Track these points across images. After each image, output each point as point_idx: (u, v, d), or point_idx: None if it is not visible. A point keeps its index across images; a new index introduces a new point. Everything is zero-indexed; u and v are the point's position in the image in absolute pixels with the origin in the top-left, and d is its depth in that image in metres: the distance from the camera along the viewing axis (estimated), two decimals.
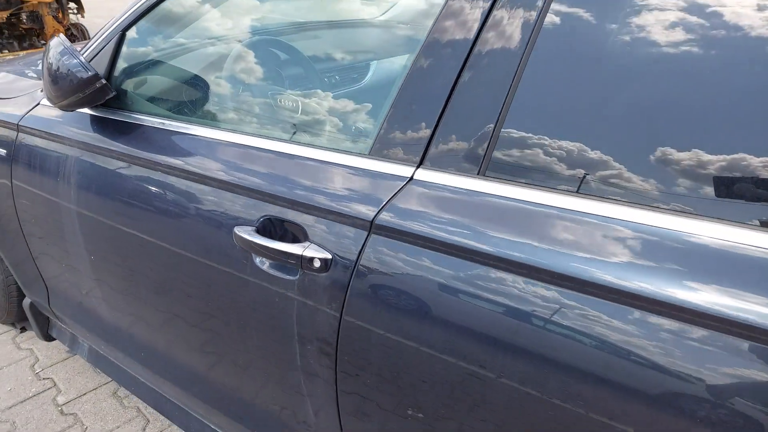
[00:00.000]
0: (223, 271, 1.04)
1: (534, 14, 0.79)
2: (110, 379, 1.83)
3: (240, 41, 1.48)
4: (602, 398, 0.66)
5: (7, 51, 5.58)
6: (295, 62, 1.51)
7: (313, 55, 1.61)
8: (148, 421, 1.68)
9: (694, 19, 0.69)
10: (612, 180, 0.71)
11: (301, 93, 1.27)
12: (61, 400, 1.76)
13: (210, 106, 1.28)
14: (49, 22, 5.65)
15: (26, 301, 1.81)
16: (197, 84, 1.33)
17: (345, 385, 0.93)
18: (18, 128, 1.48)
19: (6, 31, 5.54)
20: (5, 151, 1.53)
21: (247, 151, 1.04)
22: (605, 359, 0.66)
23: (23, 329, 2.08)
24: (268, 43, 1.52)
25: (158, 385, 1.44)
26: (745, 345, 0.59)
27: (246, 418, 1.20)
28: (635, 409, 0.64)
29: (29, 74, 1.76)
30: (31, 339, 2.03)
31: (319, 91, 1.34)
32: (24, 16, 5.58)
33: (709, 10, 0.69)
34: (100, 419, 1.69)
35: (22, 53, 4.79)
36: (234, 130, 1.10)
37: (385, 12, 1.81)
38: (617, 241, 0.68)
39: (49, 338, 1.87)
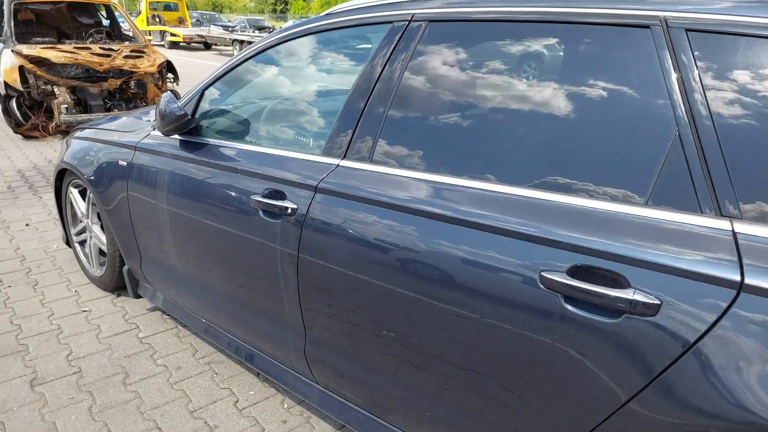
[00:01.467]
0: (242, 236, 1.82)
1: (399, 70, 1.56)
2: (174, 325, 2.64)
3: (269, 98, 2.33)
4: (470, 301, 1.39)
5: (117, 110, 6.89)
6: (299, 108, 2.35)
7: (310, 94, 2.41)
8: (196, 351, 2.46)
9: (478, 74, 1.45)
10: (431, 162, 1.46)
11: (297, 117, 2.09)
12: (141, 335, 2.57)
13: (245, 132, 2.12)
14: (151, 88, 6.96)
15: (125, 268, 2.67)
16: (242, 120, 2.17)
17: (304, 293, 1.68)
18: (135, 148, 2.38)
19: (117, 95, 6.87)
20: (125, 163, 2.42)
21: (251, 153, 1.85)
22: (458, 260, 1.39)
23: (118, 295, 2.94)
24: (287, 100, 2.37)
25: (206, 318, 2.23)
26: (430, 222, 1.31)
27: (251, 326, 1.95)
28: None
29: (143, 119, 2.69)
30: (123, 300, 2.88)
31: (305, 111, 2.14)
32: (132, 84, 6.92)
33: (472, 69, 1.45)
34: (165, 348, 2.48)
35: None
36: (253, 143, 1.92)
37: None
38: (435, 191, 1.42)
39: (137, 296, 2.71)
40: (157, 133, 2.29)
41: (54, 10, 7.80)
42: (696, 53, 1.11)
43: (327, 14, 1.87)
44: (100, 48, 6.87)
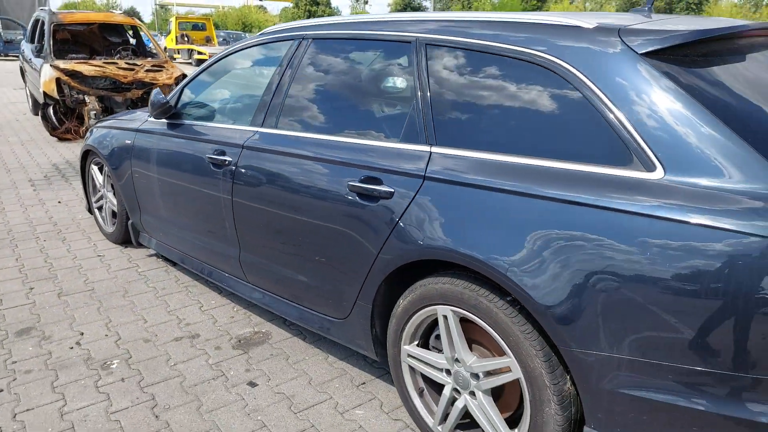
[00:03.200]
0: (199, 191, 2.69)
1: (296, 67, 2.43)
2: (165, 265, 3.53)
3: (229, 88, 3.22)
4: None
5: None
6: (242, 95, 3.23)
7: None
8: (178, 279, 3.34)
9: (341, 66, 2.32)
10: (308, 126, 2.32)
11: (239, 101, 2.96)
12: (139, 270, 3.47)
13: (208, 114, 2.99)
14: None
15: (129, 222, 3.58)
16: (206, 106, 3.06)
17: (237, 219, 2.54)
18: (137, 131, 3.29)
19: (140, 103, 7.90)
20: (130, 142, 3.33)
21: (210, 127, 2.73)
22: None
23: (126, 246, 3.85)
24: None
25: (182, 250, 3.11)
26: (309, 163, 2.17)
27: (209, 250, 2.82)
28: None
29: (143, 113, 3.60)
30: (129, 250, 3.78)
31: (243, 97, 3.01)
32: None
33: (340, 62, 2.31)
34: (156, 278, 3.36)
35: None
36: (212, 121, 2.80)
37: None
38: (308, 143, 2.29)
39: (138, 244, 3.62)
40: (153, 119, 3.19)
41: (87, 30, 8.93)
42: (428, 57, 1.95)
43: (261, 34, 2.76)
44: (126, 63, 7.93)
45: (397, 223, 1.87)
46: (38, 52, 8.25)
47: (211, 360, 2.52)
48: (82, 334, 2.72)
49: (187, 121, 2.96)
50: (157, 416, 2.15)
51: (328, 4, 76.16)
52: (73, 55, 8.21)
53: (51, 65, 7.38)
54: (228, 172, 2.54)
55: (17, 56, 17.26)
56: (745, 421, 1.31)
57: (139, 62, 8.15)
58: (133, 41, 9.50)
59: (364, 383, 2.37)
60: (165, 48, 26.38)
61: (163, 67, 8.19)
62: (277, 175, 2.31)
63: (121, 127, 3.47)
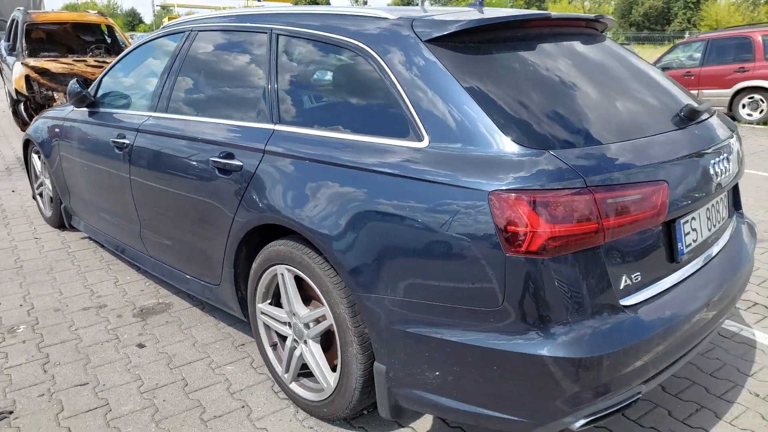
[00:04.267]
0: (108, 172, 2.93)
1: (184, 55, 2.66)
2: (95, 247, 3.77)
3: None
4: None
5: None
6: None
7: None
8: (103, 258, 3.58)
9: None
10: (193, 109, 2.55)
11: (139, 90, 3.19)
12: (69, 251, 3.70)
13: (117, 101, 3.23)
14: None
15: (62, 206, 3.82)
16: (117, 95, 3.28)
17: (136, 197, 2.78)
18: (64, 119, 3.53)
19: None
20: (59, 130, 3.57)
21: (117, 113, 2.97)
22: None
23: (63, 230, 4.08)
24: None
25: (101, 230, 3.34)
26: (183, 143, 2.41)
27: (119, 228, 3.06)
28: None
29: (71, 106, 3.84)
30: (66, 233, 4.01)
31: (142, 86, 3.25)
32: None
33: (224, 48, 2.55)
34: (82, 257, 3.60)
35: None
36: (118, 107, 3.04)
37: None
38: (189, 123, 2.52)
39: (71, 227, 3.85)
40: (75, 108, 3.43)
41: (61, 29, 9.17)
42: (278, 45, 2.18)
43: (163, 27, 3.00)
44: (95, 61, 8.17)
45: (244, 193, 2.10)
46: (11, 51, 8.51)
47: (110, 326, 2.76)
48: (0, 304, 2.96)
49: (102, 109, 3.20)
50: (45, 371, 2.38)
51: (327, 4, 76.65)
52: (45, 53, 8.46)
53: (22, 63, 7.62)
54: (127, 154, 2.77)
55: None
56: (490, 351, 1.54)
57: (108, 60, 8.39)
58: (109, 40, 9.74)
59: (243, 344, 2.61)
60: None
61: None
62: (161, 154, 2.55)
63: (52, 117, 3.71)
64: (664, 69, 10.12)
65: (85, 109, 3.32)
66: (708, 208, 1.91)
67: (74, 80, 3.24)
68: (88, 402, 2.19)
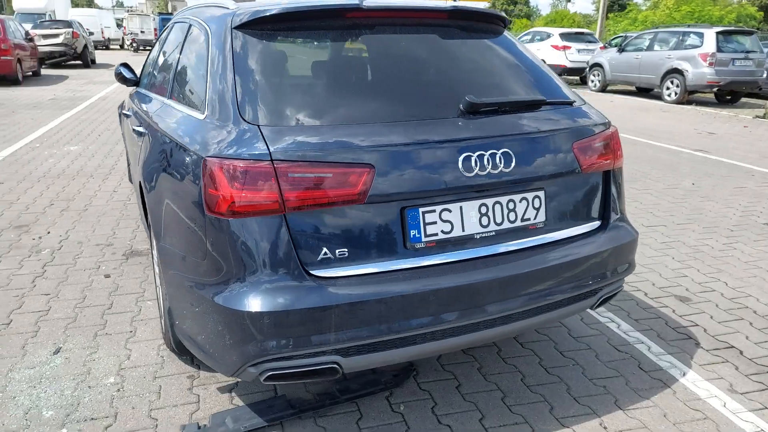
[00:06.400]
0: (140, 128, 3.64)
1: (182, 40, 3.22)
2: None
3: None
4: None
5: None
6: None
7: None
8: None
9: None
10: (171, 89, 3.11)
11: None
12: (129, 203, 4.58)
13: (147, 83, 3.90)
14: None
15: (128, 165, 4.72)
16: (147, 76, 3.97)
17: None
18: (130, 96, 4.38)
19: None
20: (120, 107, 4.44)
21: (147, 92, 3.65)
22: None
23: None
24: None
25: None
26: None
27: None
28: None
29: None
30: None
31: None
32: None
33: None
34: (134, 210, 4.43)
35: None
36: (145, 88, 3.73)
37: None
38: (166, 105, 3.09)
39: None
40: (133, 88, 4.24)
41: None
42: (189, 32, 2.60)
43: (177, 13, 3.61)
44: None
45: None
46: None
47: (100, 260, 3.46)
48: (49, 233, 3.86)
49: (142, 90, 3.94)
50: (34, 285, 3.13)
51: None
52: None
53: None
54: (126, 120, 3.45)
55: None
56: (197, 295, 1.79)
57: None
58: None
59: None
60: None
61: None
62: (139, 126, 3.16)
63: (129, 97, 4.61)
64: None
65: (133, 89, 4.10)
66: (486, 204, 1.86)
67: (124, 64, 4.03)
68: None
